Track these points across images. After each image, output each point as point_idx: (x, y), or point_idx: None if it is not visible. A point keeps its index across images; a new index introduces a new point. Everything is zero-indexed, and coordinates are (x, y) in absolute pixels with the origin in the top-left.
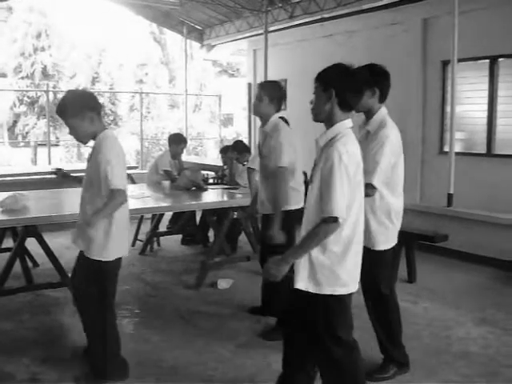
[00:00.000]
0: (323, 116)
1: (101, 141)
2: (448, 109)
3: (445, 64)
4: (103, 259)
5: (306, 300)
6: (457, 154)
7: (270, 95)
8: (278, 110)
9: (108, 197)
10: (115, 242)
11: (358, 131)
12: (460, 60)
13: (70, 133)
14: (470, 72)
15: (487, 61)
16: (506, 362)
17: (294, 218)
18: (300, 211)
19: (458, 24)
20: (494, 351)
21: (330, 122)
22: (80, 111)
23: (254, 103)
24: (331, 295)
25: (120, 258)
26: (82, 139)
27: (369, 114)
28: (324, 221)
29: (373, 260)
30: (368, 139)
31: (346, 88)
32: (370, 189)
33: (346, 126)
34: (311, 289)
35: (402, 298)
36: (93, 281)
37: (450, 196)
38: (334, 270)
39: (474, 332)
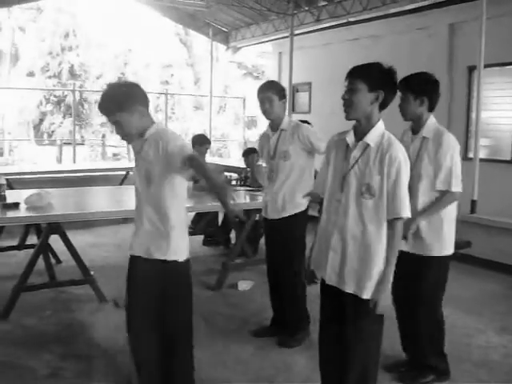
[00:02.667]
0: (363, 115)
1: (161, 132)
2: (473, 115)
3: (471, 70)
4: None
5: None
6: (481, 160)
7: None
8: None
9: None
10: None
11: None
12: (487, 66)
13: (116, 131)
14: (497, 78)
15: None
16: None
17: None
18: None
19: (486, 29)
20: None
21: (369, 121)
22: (128, 105)
23: (266, 107)
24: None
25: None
26: (128, 136)
27: (419, 122)
28: (393, 221)
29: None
30: (425, 145)
31: (392, 90)
32: (450, 196)
33: (383, 125)
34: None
35: None
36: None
37: (473, 203)
38: None
39: (494, 340)
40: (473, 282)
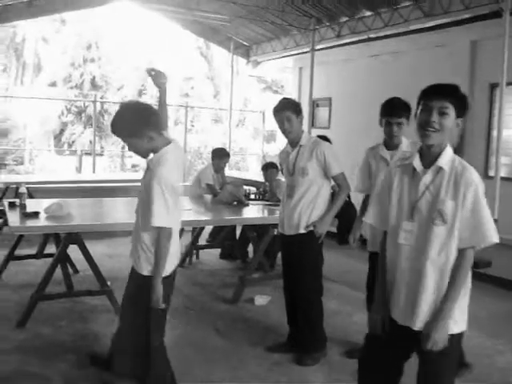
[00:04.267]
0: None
1: (157, 161)
2: (494, 133)
3: (493, 87)
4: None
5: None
6: (502, 178)
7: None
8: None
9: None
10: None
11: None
12: (509, 83)
13: (129, 149)
14: None
15: None
16: None
17: None
18: None
19: (508, 46)
20: None
21: (441, 145)
22: (138, 130)
23: (285, 126)
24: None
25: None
26: (141, 155)
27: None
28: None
29: None
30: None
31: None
32: None
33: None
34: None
35: None
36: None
37: (494, 222)
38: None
39: None
40: (492, 302)
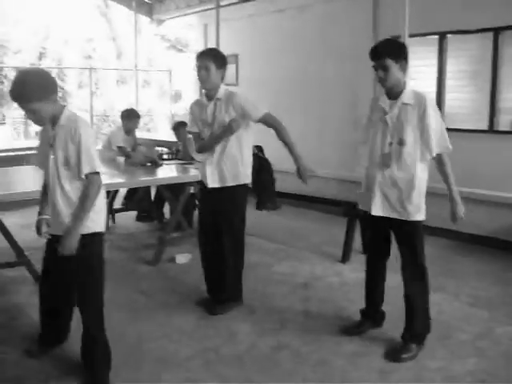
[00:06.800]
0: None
1: (75, 121)
2: None
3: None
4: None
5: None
6: None
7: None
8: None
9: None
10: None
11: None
12: (411, 36)
13: (29, 117)
14: (419, 47)
15: (436, 37)
16: (458, 326)
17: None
18: None
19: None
20: (448, 316)
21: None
22: (46, 94)
23: (202, 74)
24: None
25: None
26: (42, 122)
27: (398, 87)
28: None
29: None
30: (405, 111)
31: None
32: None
33: None
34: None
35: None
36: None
37: None
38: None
39: (430, 299)
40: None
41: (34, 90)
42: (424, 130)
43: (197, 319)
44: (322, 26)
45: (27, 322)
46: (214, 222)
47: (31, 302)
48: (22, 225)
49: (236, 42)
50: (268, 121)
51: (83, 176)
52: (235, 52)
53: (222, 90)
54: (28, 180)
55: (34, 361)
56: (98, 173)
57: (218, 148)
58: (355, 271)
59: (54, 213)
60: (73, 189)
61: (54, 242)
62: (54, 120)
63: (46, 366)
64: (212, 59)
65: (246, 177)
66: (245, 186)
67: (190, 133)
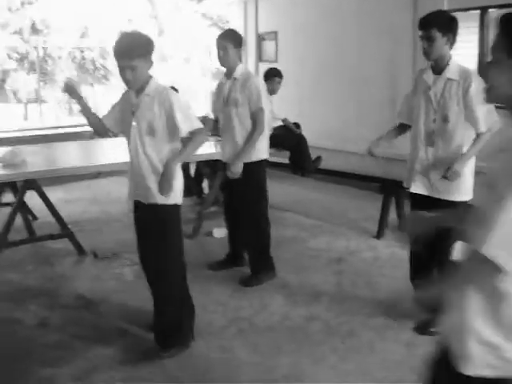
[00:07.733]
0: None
1: (163, 91)
2: None
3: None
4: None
5: None
6: None
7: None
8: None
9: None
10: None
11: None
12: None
13: (126, 76)
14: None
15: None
16: None
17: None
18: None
19: None
20: None
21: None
22: (147, 53)
23: (220, 54)
24: None
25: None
26: (135, 84)
27: (442, 62)
28: None
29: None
30: (449, 86)
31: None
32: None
33: None
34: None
35: None
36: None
37: None
38: None
39: None
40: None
41: (138, 46)
42: (469, 107)
43: (232, 291)
44: (361, 1)
45: (69, 291)
46: (232, 200)
47: (74, 273)
48: (66, 199)
49: (275, 19)
50: (258, 115)
51: (184, 135)
52: (274, 29)
53: (240, 69)
54: (72, 156)
55: (73, 326)
56: (200, 128)
57: (233, 126)
58: (389, 247)
59: (138, 178)
60: (157, 155)
61: (137, 208)
62: (140, 88)
63: (85, 330)
64: (229, 39)
65: (259, 152)
66: (258, 162)
67: (205, 118)
